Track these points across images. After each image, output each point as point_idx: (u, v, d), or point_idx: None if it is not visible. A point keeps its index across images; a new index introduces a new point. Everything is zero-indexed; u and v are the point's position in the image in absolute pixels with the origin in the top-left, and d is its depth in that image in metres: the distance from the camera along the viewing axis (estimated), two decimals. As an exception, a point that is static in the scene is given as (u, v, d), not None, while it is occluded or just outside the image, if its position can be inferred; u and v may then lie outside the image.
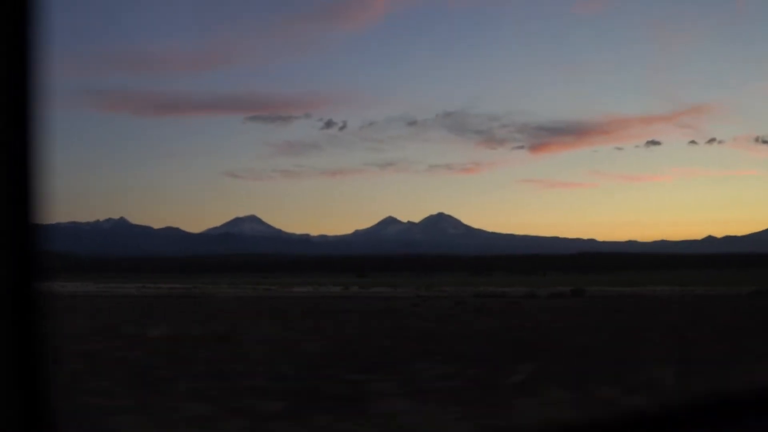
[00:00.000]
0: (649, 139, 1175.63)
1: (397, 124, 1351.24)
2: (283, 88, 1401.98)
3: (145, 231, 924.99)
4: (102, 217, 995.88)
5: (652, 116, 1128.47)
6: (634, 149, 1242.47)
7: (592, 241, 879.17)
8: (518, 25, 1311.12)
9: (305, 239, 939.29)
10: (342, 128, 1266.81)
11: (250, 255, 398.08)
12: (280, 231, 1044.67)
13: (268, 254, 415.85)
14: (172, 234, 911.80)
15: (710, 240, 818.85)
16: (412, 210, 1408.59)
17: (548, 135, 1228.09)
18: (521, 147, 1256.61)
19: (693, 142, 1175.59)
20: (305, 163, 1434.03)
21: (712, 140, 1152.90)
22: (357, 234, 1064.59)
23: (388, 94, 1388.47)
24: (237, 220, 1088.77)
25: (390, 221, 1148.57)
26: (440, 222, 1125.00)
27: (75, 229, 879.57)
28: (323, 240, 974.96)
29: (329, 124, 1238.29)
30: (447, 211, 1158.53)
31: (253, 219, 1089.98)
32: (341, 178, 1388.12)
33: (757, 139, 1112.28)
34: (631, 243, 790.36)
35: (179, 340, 16.84)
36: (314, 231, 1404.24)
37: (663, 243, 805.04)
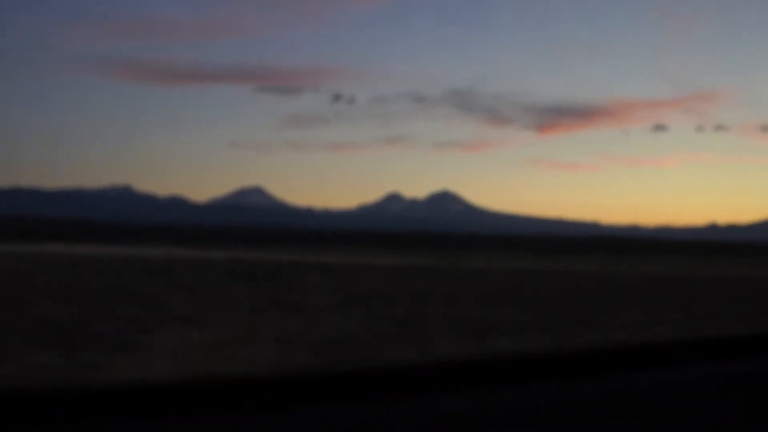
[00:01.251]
0: (656, 123, 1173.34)
1: (404, 100, 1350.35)
2: (293, 59, 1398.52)
3: (150, 199, 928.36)
4: (107, 184, 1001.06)
5: (659, 100, 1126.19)
6: (640, 133, 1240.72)
7: (594, 225, 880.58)
8: (528, 3, 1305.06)
9: (308, 212, 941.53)
10: (350, 102, 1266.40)
11: (257, 226, 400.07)
12: (284, 203, 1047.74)
13: (273, 226, 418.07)
14: (177, 203, 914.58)
15: (713, 227, 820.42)
16: (417, 186, 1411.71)
17: (555, 116, 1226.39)
18: (528, 127, 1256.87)
19: (700, 127, 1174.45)
20: (312, 136, 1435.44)
21: (719, 127, 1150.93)
22: (361, 209, 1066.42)
23: (396, 69, 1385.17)
24: (242, 191, 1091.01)
25: (394, 197, 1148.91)
26: (445, 200, 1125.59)
27: (80, 195, 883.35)
28: (326, 213, 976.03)
29: (337, 97, 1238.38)
30: (452, 189, 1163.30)
31: (258, 190, 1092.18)
32: (347, 153, 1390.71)
33: (764, 128, 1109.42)
34: (633, 228, 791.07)
35: None
36: (318, 204, 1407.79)
37: (665, 229, 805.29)
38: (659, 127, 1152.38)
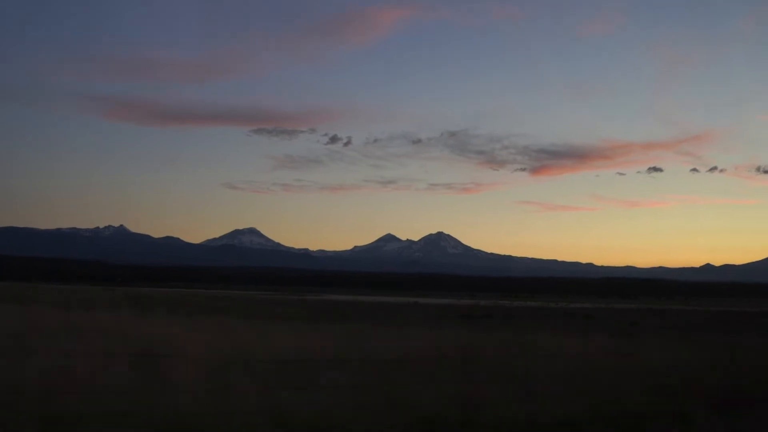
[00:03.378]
0: (651, 165, 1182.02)
1: (400, 142, 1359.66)
2: (288, 101, 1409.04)
3: (145, 239, 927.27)
4: (102, 224, 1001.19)
5: (654, 142, 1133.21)
6: (635, 175, 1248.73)
7: (589, 266, 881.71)
8: (523, 46, 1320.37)
9: (304, 254, 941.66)
10: (346, 144, 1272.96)
11: (259, 268, 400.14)
12: (279, 244, 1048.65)
13: (273, 267, 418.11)
14: (172, 243, 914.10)
15: (708, 268, 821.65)
16: (412, 228, 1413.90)
17: (549, 158, 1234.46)
18: (522, 169, 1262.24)
19: (694, 169, 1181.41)
20: (306, 177, 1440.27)
21: (713, 168, 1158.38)
22: (356, 250, 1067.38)
23: (392, 111, 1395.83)
24: (236, 232, 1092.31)
25: (389, 239, 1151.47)
26: (440, 241, 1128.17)
27: (74, 235, 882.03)
28: (322, 255, 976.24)
29: (334, 139, 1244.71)
30: (447, 231, 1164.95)
31: (252, 231, 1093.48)
32: (342, 194, 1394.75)
33: (758, 169, 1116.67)
34: (628, 268, 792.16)
35: None
36: (313, 246, 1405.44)
37: (661, 269, 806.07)
38: (654, 169, 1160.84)
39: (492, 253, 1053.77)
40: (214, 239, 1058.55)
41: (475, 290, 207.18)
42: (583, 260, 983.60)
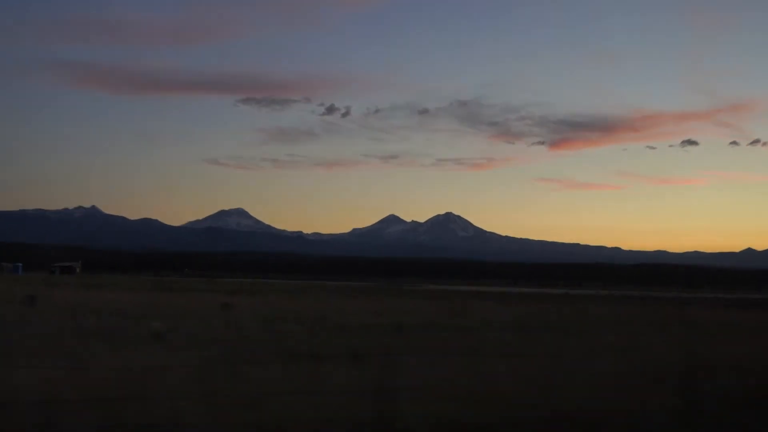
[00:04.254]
0: (685, 138, 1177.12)
1: (404, 113, 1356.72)
2: (281, 68, 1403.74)
3: (120, 222, 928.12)
4: (71, 205, 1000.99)
5: (688, 113, 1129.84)
6: (667, 149, 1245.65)
7: (616, 251, 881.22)
8: (542, 7, 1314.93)
9: (298, 237, 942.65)
10: (344, 115, 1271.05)
11: (248, 253, 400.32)
12: (270, 227, 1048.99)
13: (264, 252, 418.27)
14: (150, 226, 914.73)
15: (749, 253, 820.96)
16: (417, 208, 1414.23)
17: (570, 130, 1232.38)
18: (540, 142, 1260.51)
19: (734, 142, 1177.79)
20: (300, 152, 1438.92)
21: (755, 141, 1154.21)
22: (355, 233, 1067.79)
23: (396, 78, 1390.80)
24: (222, 214, 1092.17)
25: (392, 220, 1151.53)
26: (448, 223, 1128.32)
27: (40, 217, 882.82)
28: (318, 238, 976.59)
29: (330, 109, 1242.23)
30: (456, 211, 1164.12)
31: (239, 213, 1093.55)
32: (339, 171, 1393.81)
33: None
34: (660, 253, 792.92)
35: None
36: (308, 228, 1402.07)
37: (696, 254, 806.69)
38: (688, 142, 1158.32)
39: (507, 236, 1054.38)
40: (197, 221, 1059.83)
41: (491, 277, 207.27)
42: (609, 244, 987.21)
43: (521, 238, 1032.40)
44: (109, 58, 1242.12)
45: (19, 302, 33.60)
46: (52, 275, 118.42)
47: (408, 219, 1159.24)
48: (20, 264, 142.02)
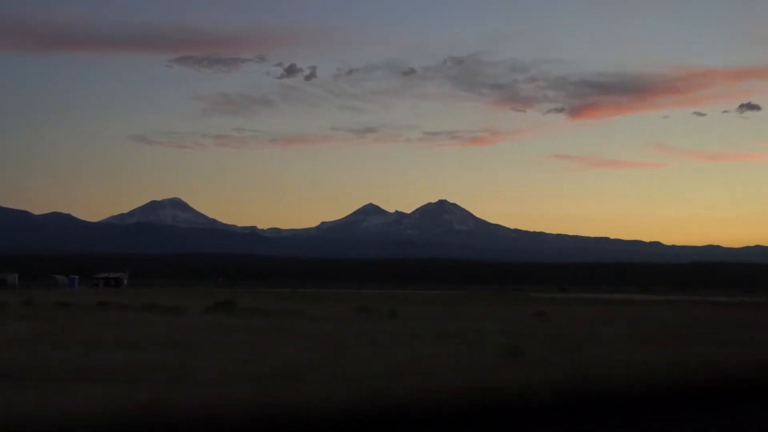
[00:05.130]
0: (743, 101, 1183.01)
1: (384, 74, 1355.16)
2: (227, 19, 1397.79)
3: (22, 217, 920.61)
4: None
5: (747, 69, 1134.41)
6: (720, 116, 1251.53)
7: (655, 246, 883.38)
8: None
9: (251, 233, 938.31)
10: (309, 77, 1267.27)
11: (187, 254, 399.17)
12: (214, 221, 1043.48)
13: (208, 254, 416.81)
14: (60, 222, 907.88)
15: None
16: (402, 196, 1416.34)
17: (596, 93, 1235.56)
18: (557, 109, 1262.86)
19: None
20: (251, 125, 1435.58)
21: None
22: (324, 228, 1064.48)
23: (373, 32, 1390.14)
24: (153, 205, 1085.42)
25: (370, 211, 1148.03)
26: (441, 213, 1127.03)
27: None
28: (277, 235, 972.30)
29: (291, 71, 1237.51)
30: (451, 198, 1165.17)
31: (175, 203, 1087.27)
32: (302, 148, 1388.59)
33: None
34: (711, 249, 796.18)
35: None
36: (263, 223, 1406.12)
37: (758, 249, 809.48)
38: (747, 107, 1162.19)
39: (516, 230, 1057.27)
40: (122, 216, 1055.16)
41: (505, 281, 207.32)
42: (646, 238, 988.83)
43: (534, 232, 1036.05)
44: (6, 7, 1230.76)
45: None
46: (95, 288, 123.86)
47: (390, 209, 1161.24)
48: (76, 277, 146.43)
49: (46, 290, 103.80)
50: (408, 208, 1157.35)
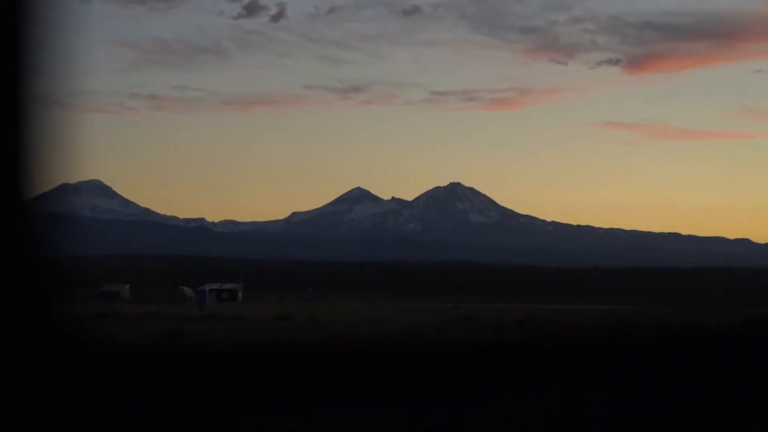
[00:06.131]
0: None
1: (375, 13, 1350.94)
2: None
3: None
4: None
5: None
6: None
7: (744, 243, 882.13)
8: None
9: (198, 227, 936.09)
10: (276, 18, 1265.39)
11: (110, 256, 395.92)
12: (147, 210, 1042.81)
13: (137, 255, 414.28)
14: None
15: None
16: (402, 178, 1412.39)
17: (662, 39, 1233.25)
18: (610, 61, 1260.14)
19: None
20: (198, 83, 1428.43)
21: None
22: (295, 221, 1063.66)
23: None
24: (66, 189, 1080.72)
25: (358, 197, 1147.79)
26: (454, 200, 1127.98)
27: None
28: (232, 230, 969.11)
29: (252, 8, 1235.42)
30: (466, 181, 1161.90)
31: (95, 187, 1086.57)
32: (267, 114, 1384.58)
33: None
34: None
35: None
36: (214, 214, 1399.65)
37: None
38: None
39: (554, 222, 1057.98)
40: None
41: (539, 291, 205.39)
42: (730, 234, 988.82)
43: (579, 226, 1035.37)
44: None
45: None
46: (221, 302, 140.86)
47: (385, 195, 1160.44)
48: (206, 289, 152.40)
49: (170, 304, 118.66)
50: (409, 195, 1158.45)
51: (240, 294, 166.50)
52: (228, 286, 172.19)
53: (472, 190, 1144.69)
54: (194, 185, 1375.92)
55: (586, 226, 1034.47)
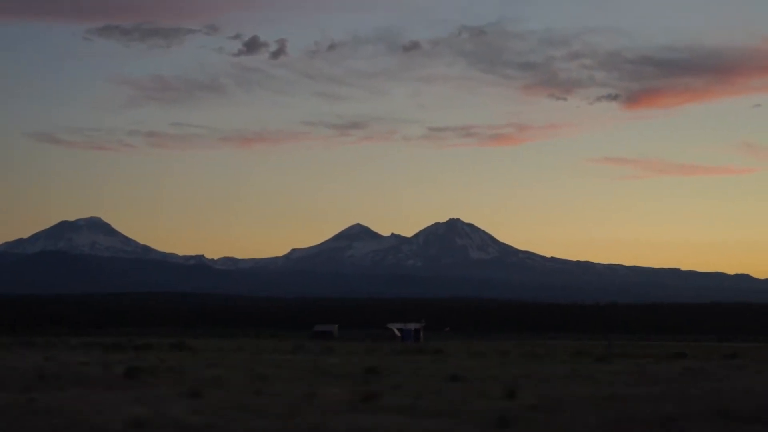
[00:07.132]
0: None
1: (375, 50, 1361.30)
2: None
3: None
4: None
5: None
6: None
7: (743, 279, 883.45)
8: None
9: (196, 264, 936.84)
10: (276, 54, 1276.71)
11: (110, 294, 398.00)
12: (147, 248, 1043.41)
13: (136, 293, 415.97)
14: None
15: None
16: (401, 215, 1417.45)
17: (660, 75, 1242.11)
18: (609, 97, 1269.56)
19: None
20: (197, 120, 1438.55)
21: None
22: (294, 258, 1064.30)
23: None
24: (64, 227, 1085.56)
25: (358, 234, 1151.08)
26: (453, 236, 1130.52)
27: None
28: (231, 267, 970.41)
29: (252, 46, 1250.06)
30: (466, 217, 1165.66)
31: (94, 224, 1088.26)
32: (267, 150, 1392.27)
33: None
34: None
35: None
36: (213, 251, 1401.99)
37: None
38: None
39: (553, 259, 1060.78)
40: (21, 241, 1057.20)
41: (539, 327, 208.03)
42: (730, 270, 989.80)
43: (578, 262, 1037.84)
44: None
45: None
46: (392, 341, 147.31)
47: (384, 232, 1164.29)
48: (413, 327, 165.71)
49: (379, 342, 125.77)
50: (408, 231, 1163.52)
51: (421, 333, 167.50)
52: (413, 325, 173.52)
53: (471, 226, 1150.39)
54: (193, 222, 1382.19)
55: (586, 262, 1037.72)
